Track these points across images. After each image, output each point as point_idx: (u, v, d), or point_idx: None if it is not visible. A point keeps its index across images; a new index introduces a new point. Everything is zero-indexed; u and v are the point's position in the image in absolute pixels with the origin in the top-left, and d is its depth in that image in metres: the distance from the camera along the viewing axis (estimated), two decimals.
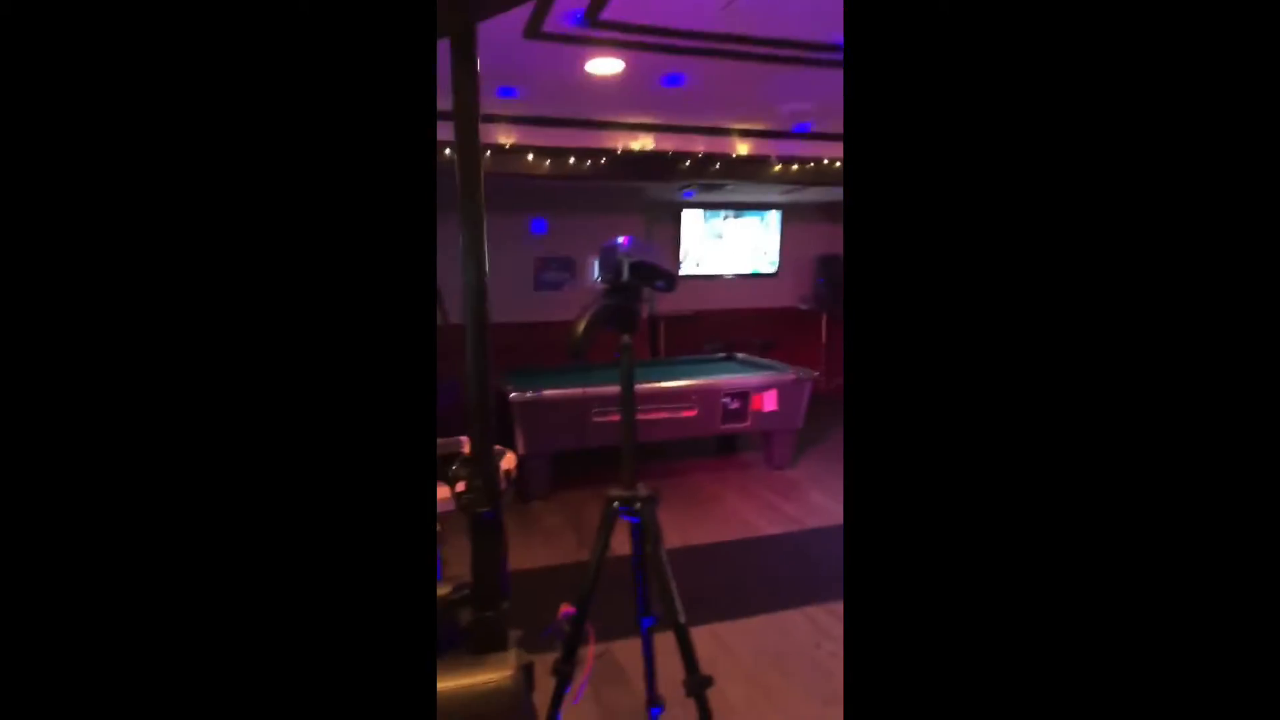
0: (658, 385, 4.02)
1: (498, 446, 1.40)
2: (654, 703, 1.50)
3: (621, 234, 1.33)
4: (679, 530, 3.41)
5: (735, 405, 4.15)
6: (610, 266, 1.22)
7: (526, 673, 0.97)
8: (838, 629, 2.50)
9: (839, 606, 2.65)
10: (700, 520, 3.59)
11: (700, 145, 3.82)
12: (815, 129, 3.86)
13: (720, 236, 6.86)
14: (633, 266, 1.21)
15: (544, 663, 1.10)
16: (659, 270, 1.27)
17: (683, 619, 1.19)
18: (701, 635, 2.48)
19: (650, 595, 1.21)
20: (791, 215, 6.93)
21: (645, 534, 1.28)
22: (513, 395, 3.67)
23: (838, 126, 3.85)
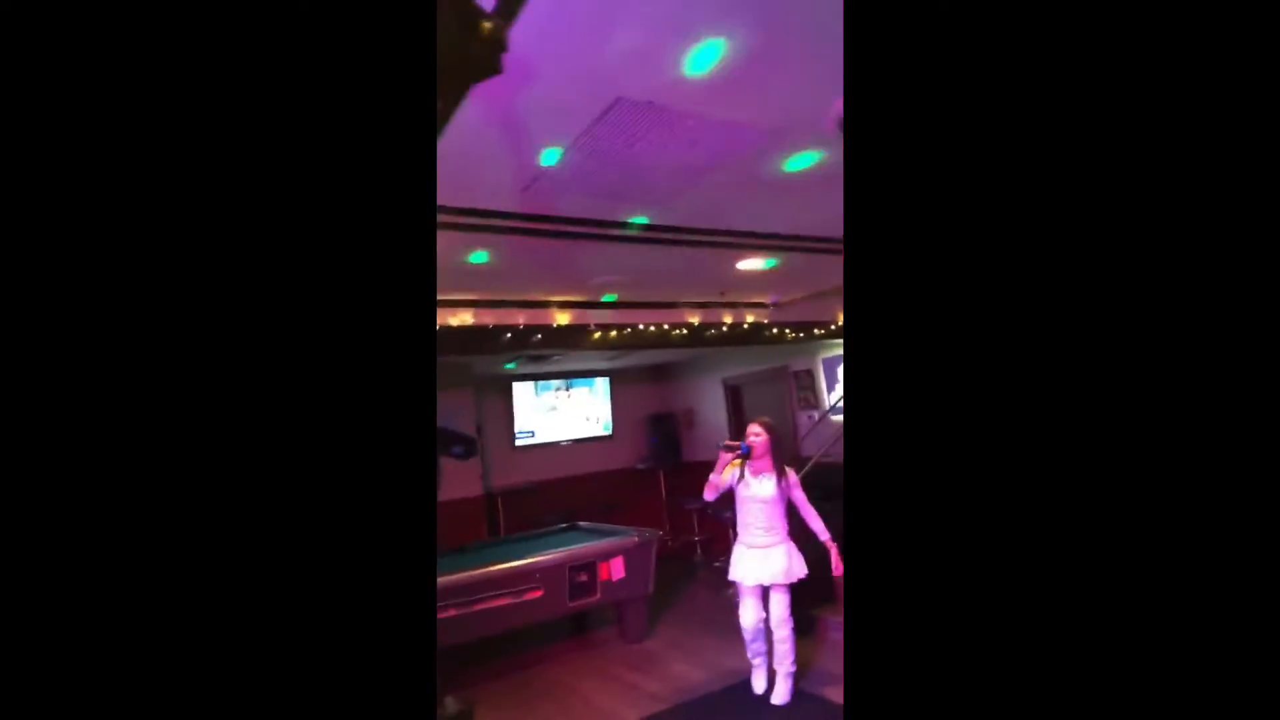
0: (498, 568, 3.69)
1: None
2: None
3: (452, 411, 1.23)
4: None
5: (583, 578, 3.91)
6: None
7: None
8: None
9: None
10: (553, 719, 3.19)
11: (520, 318, 3.90)
12: (623, 298, 4.13)
13: (554, 409, 6.89)
14: None
15: None
16: (456, 435, 1.17)
17: None
18: None
19: None
20: (619, 380, 7.20)
21: None
22: None
23: (647, 295, 4.17)
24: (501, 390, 6.56)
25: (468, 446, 1.22)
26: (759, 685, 3.16)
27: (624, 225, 2.83)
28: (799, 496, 3.02)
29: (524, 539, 4.84)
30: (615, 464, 7.10)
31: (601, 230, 2.80)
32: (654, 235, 2.95)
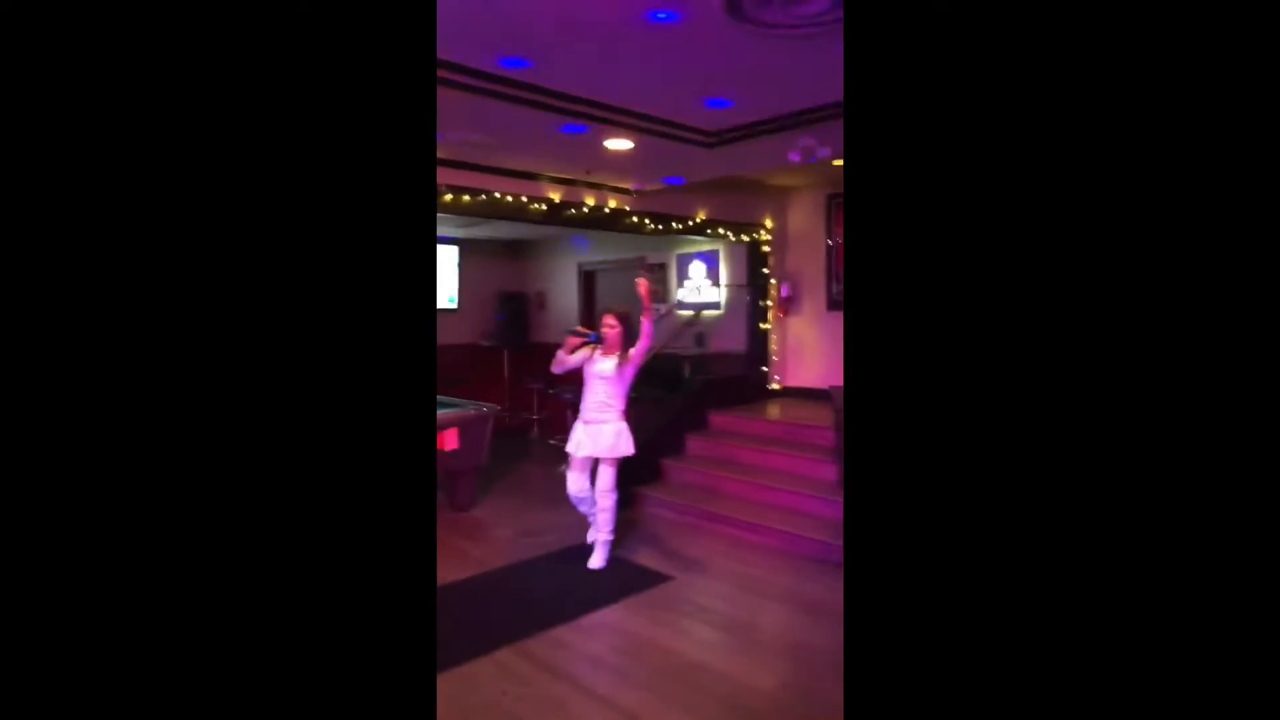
0: None
1: None
2: None
3: None
4: None
5: None
6: None
7: None
8: (524, 668, 2.41)
9: (527, 644, 2.56)
10: None
11: None
12: (486, 162, 3.86)
13: None
14: None
15: None
16: None
17: None
18: None
19: None
20: (470, 251, 6.87)
21: None
22: None
23: (507, 162, 3.92)
24: None
25: None
26: (592, 536, 3.43)
27: (496, 79, 2.59)
28: (638, 349, 3.22)
29: None
30: (460, 338, 6.91)
31: (469, 79, 2.54)
32: (524, 94, 2.73)
